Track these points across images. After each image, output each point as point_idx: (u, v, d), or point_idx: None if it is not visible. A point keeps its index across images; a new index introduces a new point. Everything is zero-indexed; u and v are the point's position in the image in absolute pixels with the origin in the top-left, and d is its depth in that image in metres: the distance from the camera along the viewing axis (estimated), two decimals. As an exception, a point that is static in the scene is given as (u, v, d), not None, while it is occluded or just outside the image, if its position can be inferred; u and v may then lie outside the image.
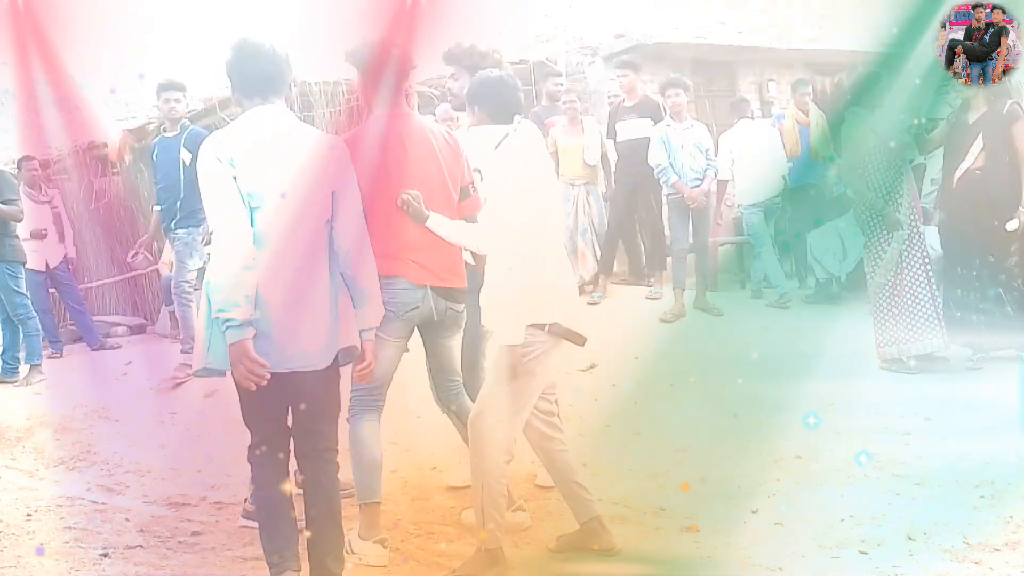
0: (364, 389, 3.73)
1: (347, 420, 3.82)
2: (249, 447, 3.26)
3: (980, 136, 6.06)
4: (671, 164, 7.56)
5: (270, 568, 3.22)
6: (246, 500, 4.27)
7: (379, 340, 3.56)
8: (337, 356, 3.28)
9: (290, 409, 3.29)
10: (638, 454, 4.90)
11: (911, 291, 6.23)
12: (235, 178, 3.09)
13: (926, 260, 6.26)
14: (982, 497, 4.12)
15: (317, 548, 3.25)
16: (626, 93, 8.26)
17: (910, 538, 3.74)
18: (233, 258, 3.05)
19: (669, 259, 8.01)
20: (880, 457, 4.64)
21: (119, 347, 8.78)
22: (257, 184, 3.11)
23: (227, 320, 3.00)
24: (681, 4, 11.36)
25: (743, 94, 10.33)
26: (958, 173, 6.18)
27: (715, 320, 7.49)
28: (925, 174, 8.41)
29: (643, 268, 8.55)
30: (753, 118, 9.11)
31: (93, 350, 8.59)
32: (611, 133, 8.28)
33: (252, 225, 3.09)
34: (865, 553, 3.64)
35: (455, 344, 4.14)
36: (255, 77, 3.28)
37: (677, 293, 7.59)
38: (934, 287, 6.26)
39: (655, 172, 7.65)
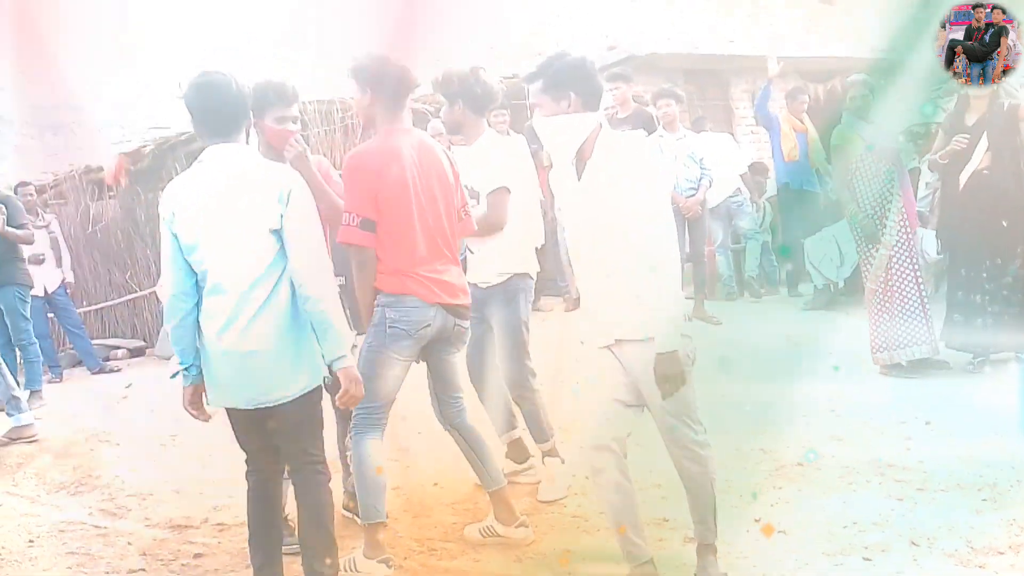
0: (366, 408, 3.72)
1: (349, 438, 3.85)
2: (246, 463, 3.53)
3: (984, 136, 6.08)
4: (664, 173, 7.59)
5: (253, 572, 3.47)
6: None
7: (388, 359, 3.74)
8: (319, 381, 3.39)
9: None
10: (640, 465, 4.87)
11: (900, 297, 6.23)
12: (175, 234, 3.26)
13: (916, 266, 6.26)
14: (985, 500, 4.11)
15: (308, 556, 3.41)
16: (619, 105, 8.28)
17: (914, 543, 3.73)
18: (170, 313, 3.32)
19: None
20: (882, 462, 4.63)
21: (119, 370, 8.78)
22: (198, 233, 3.24)
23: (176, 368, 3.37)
24: (672, 15, 11.42)
25: (733, 103, 10.38)
26: (964, 175, 6.18)
27: (714, 329, 7.50)
28: (920, 178, 8.45)
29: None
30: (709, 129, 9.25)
31: (92, 373, 8.62)
32: (605, 144, 8.29)
33: (190, 278, 3.28)
34: (869, 560, 3.63)
35: (458, 360, 4.16)
36: (213, 115, 3.32)
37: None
38: (924, 293, 6.26)
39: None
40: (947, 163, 6.24)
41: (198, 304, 3.30)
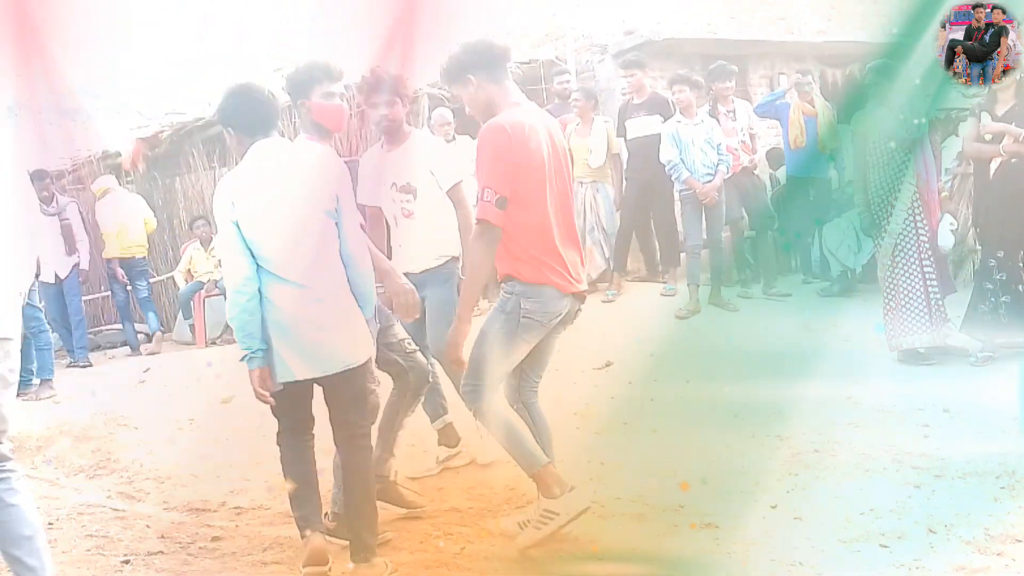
0: (479, 380, 3.70)
1: (473, 413, 3.82)
2: (277, 433, 3.73)
3: (1014, 126, 6.02)
4: (682, 160, 7.55)
5: (298, 525, 3.68)
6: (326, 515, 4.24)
7: (515, 347, 3.73)
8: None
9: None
10: (655, 451, 4.89)
11: (905, 285, 6.23)
12: (237, 223, 3.50)
13: (922, 256, 6.23)
14: (1003, 488, 4.09)
15: (354, 523, 3.65)
16: (634, 91, 8.26)
17: (931, 530, 3.71)
18: (234, 300, 3.51)
19: (683, 255, 8.00)
20: (899, 449, 4.62)
21: (90, 365, 8.55)
22: (261, 221, 3.51)
23: (244, 352, 3.52)
24: (690, 0, 11.34)
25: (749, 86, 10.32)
26: (994, 165, 6.13)
27: (730, 315, 7.47)
28: (940, 164, 8.37)
29: (657, 265, 8.55)
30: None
31: (66, 366, 8.41)
32: (621, 131, 8.28)
33: (252, 264, 3.50)
34: (886, 546, 3.62)
35: (556, 341, 4.05)
36: (253, 119, 3.62)
37: (691, 289, 7.58)
38: (930, 282, 6.23)
39: (667, 169, 7.64)
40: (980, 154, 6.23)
41: (260, 289, 3.53)
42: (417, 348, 4.35)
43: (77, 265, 8.69)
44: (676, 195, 7.95)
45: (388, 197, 4.67)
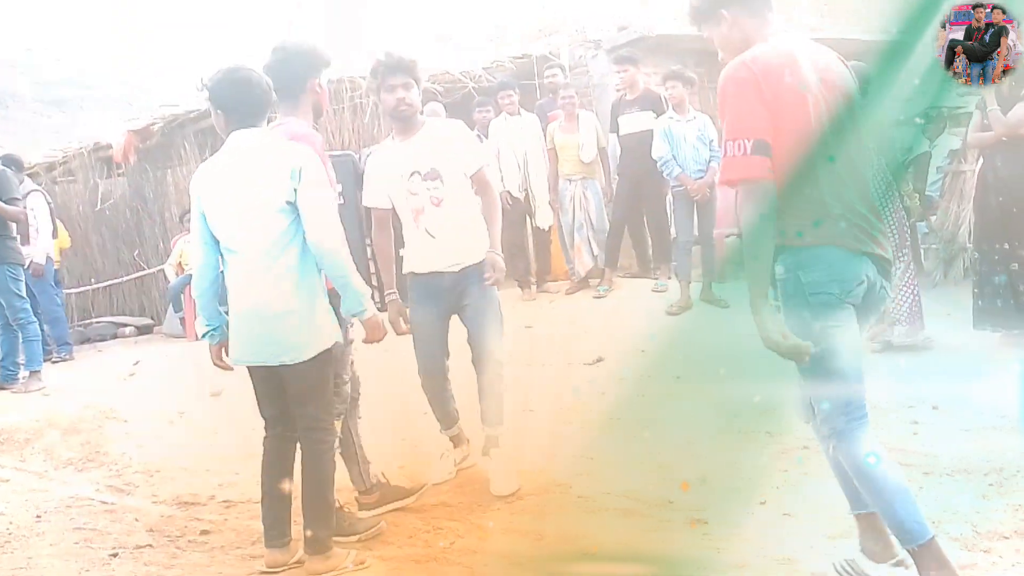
0: (827, 405, 3.00)
1: (832, 450, 3.11)
2: (264, 428, 3.80)
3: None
4: (674, 156, 7.55)
5: (263, 532, 3.75)
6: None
7: (831, 331, 2.89)
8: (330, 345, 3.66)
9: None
10: (645, 447, 4.89)
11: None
12: (203, 213, 3.61)
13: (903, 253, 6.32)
14: (991, 486, 4.11)
15: (307, 516, 3.67)
16: (627, 87, 8.26)
17: (919, 527, 3.72)
18: (196, 282, 3.69)
19: (674, 251, 8.01)
20: (888, 446, 4.62)
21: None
22: (220, 209, 3.59)
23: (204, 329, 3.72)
24: (683, -5, 11.33)
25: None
26: (1000, 160, 6.21)
27: (721, 312, 7.48)
28: (931, 162, 8.40)
29: (649, 261, 8.56)
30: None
31: (52, 363, 8.15)
32: (614, 127, 8.29)
33: (214, 251, 3.64)
34: (874, 543, 3.62)
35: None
36: (248, 106, 3.59)
37: (683, 286, 7.59)
38: (912, 277, 6.38)
39: (658, 165, 7.65)
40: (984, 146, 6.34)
41: (222, 273, 3.67)
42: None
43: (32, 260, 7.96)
44: (668, 191, 7.96)
45: (408, 190, 4.42)
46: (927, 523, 2.90)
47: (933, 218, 8.55)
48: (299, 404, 3.67)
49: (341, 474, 3.95)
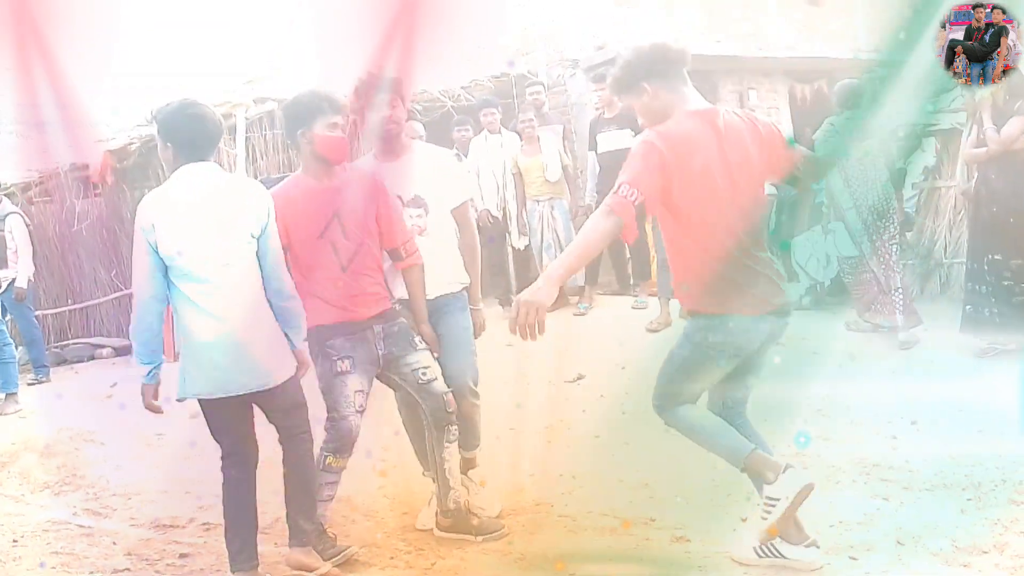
0: (671, 395, 3.57)
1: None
2: (221, 457, 3.79)
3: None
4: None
5: (229, 558, 3.74)
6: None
7: (712, 368, 3.52)
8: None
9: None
10: (627, 464, 4.89)
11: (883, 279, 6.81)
12: (153, 244, 3.55)
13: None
14: (969, 500, 4.13)
15: (290, 509, 3.79)
16: (605, 106, 8.30)
17: (899, 542, 3.75)
18: (139, 317, 3.67)
19: (654, 268, 8.02)
20: (867, 462, 4.65)
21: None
22: (183, 241, 3.55)
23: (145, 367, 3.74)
24: (659, 15, 11.42)
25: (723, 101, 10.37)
26: (993, 173, 6.32)
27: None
28: (906, 179, 8.48)
29: (629, 278, 8.58)
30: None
31: (27, 384, 8.03)
32: (592, 144, 8.32)
33: (163, 284, 3.60)
34: (855, 559, 3.64)
35: (768, 355, 3.76)
36: (198, 141, 3.62)
37: (663, 302, 7.59)
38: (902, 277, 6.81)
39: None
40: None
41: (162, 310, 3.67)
42: (435, 377, 4.09)
43: (13, 281, 8.02)
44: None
45: None
46: (746, 440, 3.54)
47: (909, 234, 8.62)
48: (282, 417, 3.77)
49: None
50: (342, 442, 3.92)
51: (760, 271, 3.44)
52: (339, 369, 3.91)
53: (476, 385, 4.31)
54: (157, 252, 3.56)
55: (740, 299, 3.37)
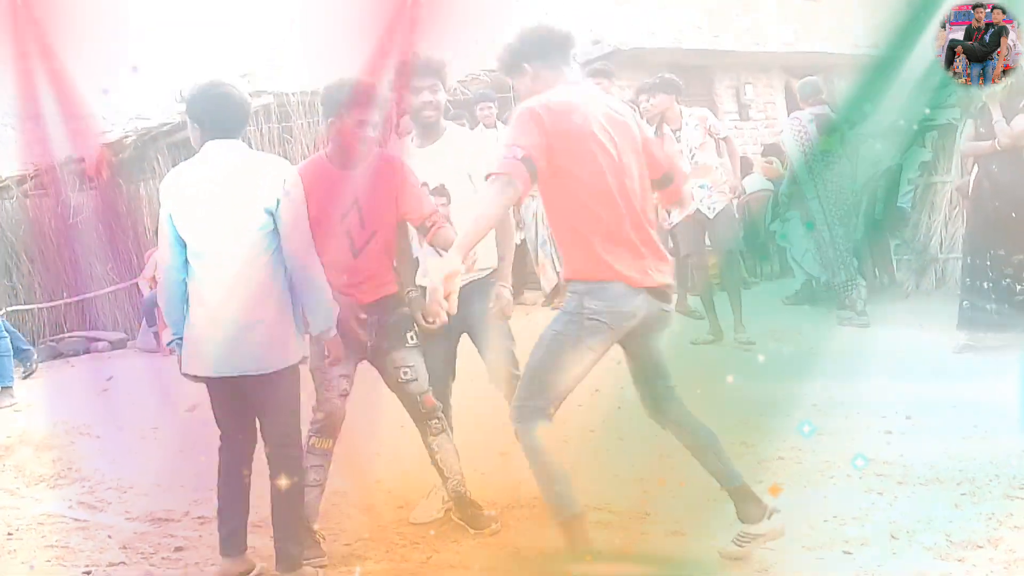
0: (539, 401, 3.39)
1: (515, 432, 3.56)
2: (219, 438, 3.79)
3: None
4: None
5: (219, 542, 3.75)
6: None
7: (580, 353, 3.36)
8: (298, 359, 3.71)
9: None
10: (622, 459, 4.90)
11: None
12: (171, 217, 3.59)
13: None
14: (963, 495, 4.14)
15: (277, 533, 3.66)
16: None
17: (893, 537, 3.76)
18: (161, 286, 3.71)
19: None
20: (862, 456, 4.66)
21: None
22: (196, 215, 3.57)
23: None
24: (657, 9, 11.42)
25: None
26: (995, 164, 6.33)
27: (696, 324, 7.51)
28: (902, 174, 8.51)
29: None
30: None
31: None
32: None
33: (181, 254, 3.60)
34: (849, 553, 3.65)
35: (663, 342, 3.68)
36: (224, 121, 3.62)
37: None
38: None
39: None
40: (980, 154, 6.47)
41: (186, 280, 3.63)
42: (415, 378, 4.07)
43: None
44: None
45: None
46: (575, 499, 3.38)
47: (905, 230, 8.64)
48: (267, 419, 3.67)
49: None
50: (325, 423, 3.95)
51: (643, 247, 3.41)
52: (326, 354, 3.91)
53: (518, 368, 4.14)
54: (172, 222, 3.59)
55: (620, 267, 3.33)
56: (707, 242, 7.33)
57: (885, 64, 6.27)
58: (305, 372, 3.87)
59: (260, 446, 3.81)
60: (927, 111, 7.38)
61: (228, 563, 3.72)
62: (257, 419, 3.71)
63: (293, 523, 3.66)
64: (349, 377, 4.01)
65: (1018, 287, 6.23)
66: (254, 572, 3.75)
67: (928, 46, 5.52)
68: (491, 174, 3.27)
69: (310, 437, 3.94)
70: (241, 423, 3.74)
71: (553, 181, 3.37)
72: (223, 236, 3.54)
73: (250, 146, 3.81)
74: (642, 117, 7.69)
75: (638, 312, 3.37)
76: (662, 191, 3.69)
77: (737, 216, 7.32)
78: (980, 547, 3.60)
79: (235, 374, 3.59)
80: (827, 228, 7.39)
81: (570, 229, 3.40)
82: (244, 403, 3.69)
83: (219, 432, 3.78)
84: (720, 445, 3.61)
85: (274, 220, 3.53)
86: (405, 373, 4.06)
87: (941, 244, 8.16)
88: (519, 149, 3.23)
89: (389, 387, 4.14)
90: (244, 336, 3.53)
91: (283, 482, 3.63)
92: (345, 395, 3.99)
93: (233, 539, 3.72)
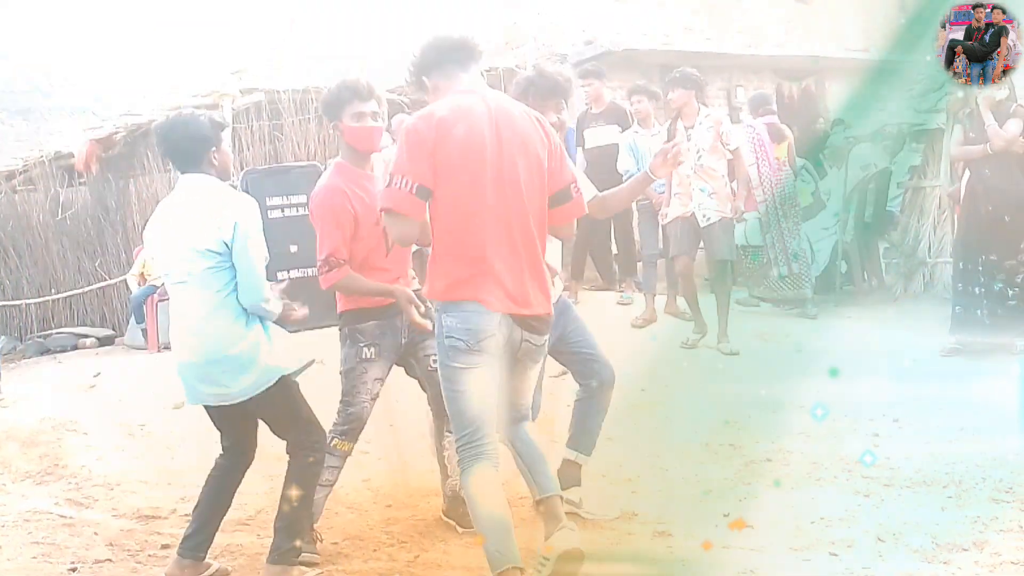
0: (461, 437, 3.21)
1: (446, 440, 3.72)
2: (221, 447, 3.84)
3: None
4: (640, 170, 7.57)
5: (181, 542, 3.76)
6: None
7: (457, 371, 3.18)
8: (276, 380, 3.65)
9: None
10: (610, 460, 4.90)
11: None
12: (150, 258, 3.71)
13: None
14: (950, 498, 4.16)
15: (278, 526, 3.65)
16: (593, 101, 8.30)
17: (879, 539, 3.77)
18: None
19: (639, 265, 8.03)
20: (849, 459, 4.68)
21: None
22: (158, 249, 3.76)
23: None
24: (649, 11, 11.44)
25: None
26: (988, 168, 6.36)
27: (686, 325, 7.52)
28: (891, 179, 8.55)
29: (613, 274, 8.58)
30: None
31: None
32: (579, 140, 8.32)
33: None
34: (835, 555, 3.66)
35: (531, 377, 3.49)
36: (181, 153, 3.69)
37: (648, 299, 7.61)
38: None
39: (623, 179, 7.67)
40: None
41: None
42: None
43: None
44: (633, 205, 7.98)
45: None
46: (514, 551, 3.15)
47: (894, 233, 8.68)
48: (276, 429, 3.73)
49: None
50: (351, 426, 3.96)
51: (508, 273, 3.20)
52: (364, 356, 3.93)
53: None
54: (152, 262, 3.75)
55: (471, 288, 3.16)
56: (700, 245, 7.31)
57: (879, 68, 6.31)
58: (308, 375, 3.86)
59: (260, 447, 3.86)
60: (916, 115, 7.42)
61: (179, 563, 3.70)
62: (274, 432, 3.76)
63: (294, 520, 3.66)
64: (382, 380, 4.04)
65: (1010, 292, 6.25)
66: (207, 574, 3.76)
67: (924, 50, 5.55)
68: (384, 208, 3.25)
69: (332, 438, 3.92)
70: (236, 438, 3.80)
71: (437, 191, 3.22)
72: (177, 272, 3.64)
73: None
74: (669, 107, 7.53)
75: (496, 332, 3.18)
76: (553, 209, 3.37)
77: (733, 229, 7.24)
78: (966, 550, 3.62)
79: (210, 404, 3.68)
80: (777, 224, 7.63)
81: (446, 243, 3.23)
82: (237, 421, 3.75)
83: (220, 439, 3.83)
84: (542, 466, 3.45)
85: (231, 253, 3.56)
86: (436, 361, 4.03)
87: (930, 248, 8.19)
88: (408, 180, 3.13)
89: (419, 377, 4.17)
90: (214, 369, 3.58)
91: (294, 492, 3.63)
92: (375, 399, 4.01)
93: (195, 539, 3.72)
